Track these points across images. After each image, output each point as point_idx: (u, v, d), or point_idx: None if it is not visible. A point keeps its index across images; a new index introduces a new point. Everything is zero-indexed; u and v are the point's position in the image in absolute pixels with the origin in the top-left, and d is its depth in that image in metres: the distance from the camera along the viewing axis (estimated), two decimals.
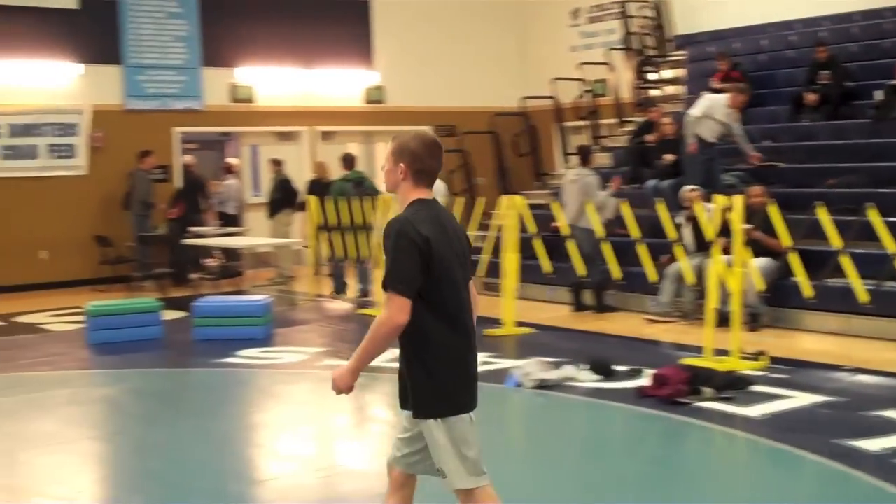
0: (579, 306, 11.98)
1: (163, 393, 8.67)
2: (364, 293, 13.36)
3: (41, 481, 6.09)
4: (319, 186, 14.45)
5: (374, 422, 7.62)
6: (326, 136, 18.25)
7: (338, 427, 7.44)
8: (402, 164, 4.02)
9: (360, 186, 13.42)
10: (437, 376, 3.92)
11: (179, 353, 10.21)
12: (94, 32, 15.91)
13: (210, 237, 14.60)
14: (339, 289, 13.89)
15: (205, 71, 16.86)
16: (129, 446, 6.92)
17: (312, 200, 13.65)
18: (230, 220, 16.21)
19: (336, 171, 14.43)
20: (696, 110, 12.43)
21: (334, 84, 18.16)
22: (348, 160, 13.88)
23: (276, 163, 15.92)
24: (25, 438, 7.11)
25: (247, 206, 16.94)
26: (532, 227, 11.61)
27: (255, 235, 15.60)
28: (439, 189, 14.18)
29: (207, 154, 17.92)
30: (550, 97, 18.06)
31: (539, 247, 11.74)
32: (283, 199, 15.59)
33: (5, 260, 15.02)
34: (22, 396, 8.42)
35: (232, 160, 17.15)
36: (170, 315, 11.60)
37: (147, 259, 14.83)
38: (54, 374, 9.31)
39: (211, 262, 14.71)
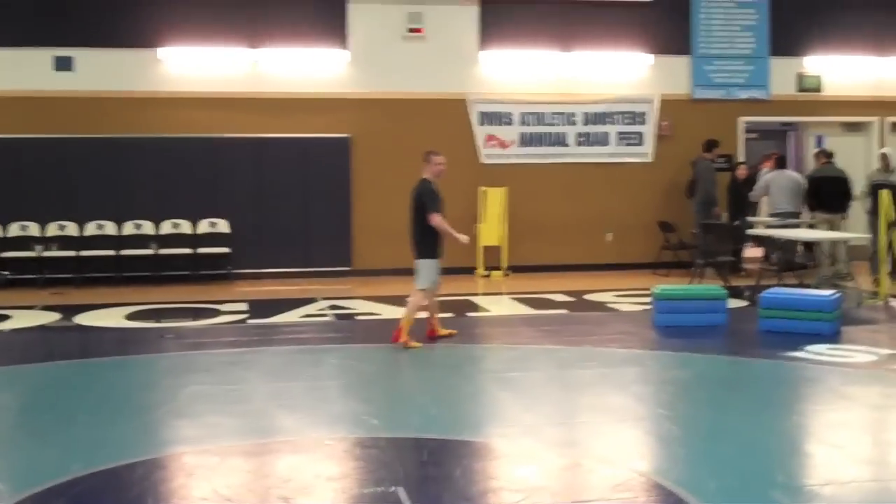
0: None
1: (730, 380, 8.73)
2: None
3: (625, 454, 6.37)
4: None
5: None
6: None
7: None
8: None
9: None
10: None
11: (744, 343, 10.22)
12: (666, 24, 16.38)
13: (765, 228, 14.40)
14: None
15: (772, 60, 16.66)
16: (702, 430, 7.04)
17: (884, 194, 12.93)
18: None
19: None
20: None
21: None
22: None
23: (826, 155, 14.98)
24: (603, 410, 7.56)
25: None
26: None
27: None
28: None
29: (766, 144, 17.70)
30: None
31: None
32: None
33: (575, 239, 16.06)
34: (596, 370, 8.94)
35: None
36: (730, 304, 11.61)
37: (708, 247, 14.99)
38: (623, 351, 9.77)
39: (751, 253, 14.61)
